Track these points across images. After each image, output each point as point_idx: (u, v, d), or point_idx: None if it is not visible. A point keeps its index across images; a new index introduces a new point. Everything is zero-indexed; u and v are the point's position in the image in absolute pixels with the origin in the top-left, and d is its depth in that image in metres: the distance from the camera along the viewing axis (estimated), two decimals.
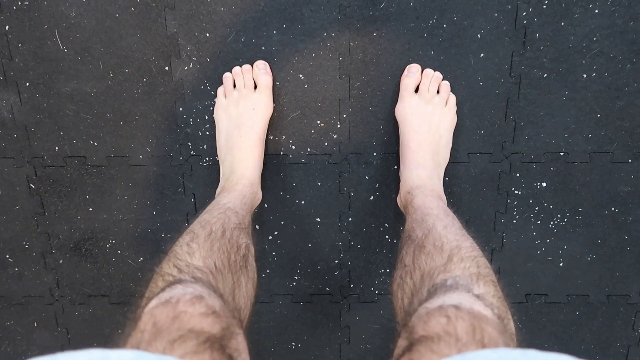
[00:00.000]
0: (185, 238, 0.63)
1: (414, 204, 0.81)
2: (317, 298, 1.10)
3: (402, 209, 0.94)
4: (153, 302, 0.48)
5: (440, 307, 0.47)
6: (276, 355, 1.16)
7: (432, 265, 0.60)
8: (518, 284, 1.08)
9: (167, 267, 0.57)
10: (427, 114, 0.92)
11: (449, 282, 0.55)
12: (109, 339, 1.13)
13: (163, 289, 0.51)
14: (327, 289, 1.09)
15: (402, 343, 0.48)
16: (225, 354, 0.44)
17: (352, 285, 1.09)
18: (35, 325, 1.14)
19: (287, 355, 1.16)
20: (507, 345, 0.43)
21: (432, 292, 0.53)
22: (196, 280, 0.54)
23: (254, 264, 0.69)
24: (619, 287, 1.07)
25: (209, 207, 0.76)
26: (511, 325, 0.52)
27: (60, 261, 1.08)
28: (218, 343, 0.44)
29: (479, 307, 0.47)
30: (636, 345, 1.12)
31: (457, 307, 0.46)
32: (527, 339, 1.12)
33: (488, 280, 0.56)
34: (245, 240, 0.69)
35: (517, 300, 1.09)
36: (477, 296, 0.50)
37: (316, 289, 1.10)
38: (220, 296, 0.53)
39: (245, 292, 0.61)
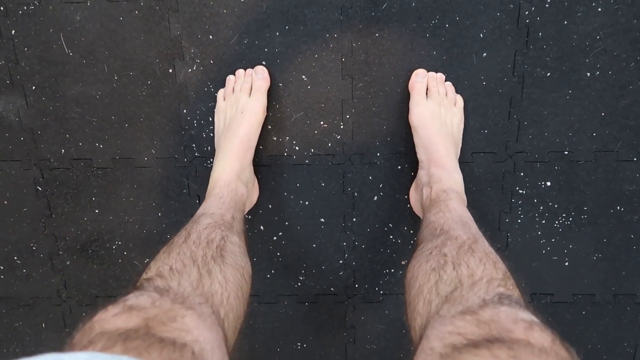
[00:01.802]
0: (150, 262, 0.66)
1: (450, 205, 0.81)
2: (322, 298, 1.10)
3: (420, 202, 0.93)
4: None
5: (540, 324, 0.48)
6: (281, 355, 1.16)
7: (486, 273, 0.61)
8: (523, 284, 1.07)
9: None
10: (442, 117, 0.92)
11: (516, 300, 0.55)
12: None
13: None
14: (332, 289, 1.10)
15: (473, 329, 0.48)
16: (154, 339, 0.44)
17: (357, 286, 1.09)
18: (44, 326, 1.15)
19: (292, 355, 1.16)
20: None
21: (506, 301, 0.54)
22: (138, 289, 0.55)
23: (235, 249, 0.70)
24: (626, 287, 1.07)
25: None
26: None
27: (68, 263, 1.09)
28: (139, 332, 0.45)
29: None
30: None
31: (555, 333, 0.48)
32: None
33: None
34: (220, 234, 0.70)
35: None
36: None
37: (321, 289, 1.10)
38: (165, 291, 0.54)
39: (221, 277, 0.62)
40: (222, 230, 0.71)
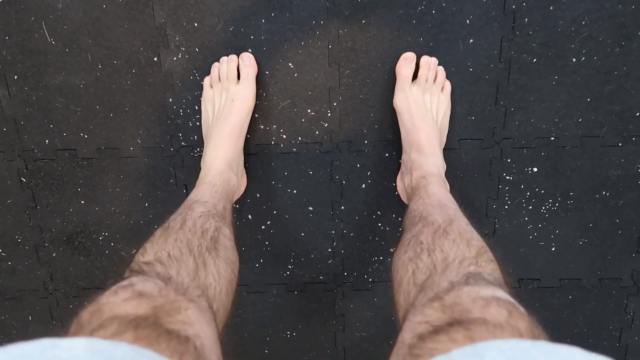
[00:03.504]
0: (144, 243, 0.65)
1: (429, 190, 0.81)
2: (311, 287, 1.11)
3: (405, 190, 0.94)
4: None
5: (498, 299, 0.48)
6: (271, 344, 1.16)
7: (459, 254, 0.61)
8: (511, 269, 1.08)
9: (125, 274, 0.58)
10: (427, 103, 0.93)
11: (486, 276, 0.55)
12: None
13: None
14: (321, 277, 1.10)
15: (438, 315, 0.48)
16: (162, 329, 0.44)
17: (345, 274, 1.09)
18: (30, 319, 1.14)
19: (282, 344, 1.16)
20: None
21: (472, 280, 0.54)
22: (140, 272, 0.55)
23: (227, 242, 0.70)
24: (611, 271, 1.08)
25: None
26: None
27: (54, 254, 1.08)
28: (148, 321, 0.45)
29: (525, 310, 0.48)
30: (629, 328, 1.12)
31: (514, 305, 0.47)
32: None
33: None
34: (214, 224, 0.70)
35: (510, 285, 1.10)
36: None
37: (310, 277, 1.10)
38: (167, 279, 0.54)
39: (214, 270, 0.62)
40: (216, 221, 0.71)
